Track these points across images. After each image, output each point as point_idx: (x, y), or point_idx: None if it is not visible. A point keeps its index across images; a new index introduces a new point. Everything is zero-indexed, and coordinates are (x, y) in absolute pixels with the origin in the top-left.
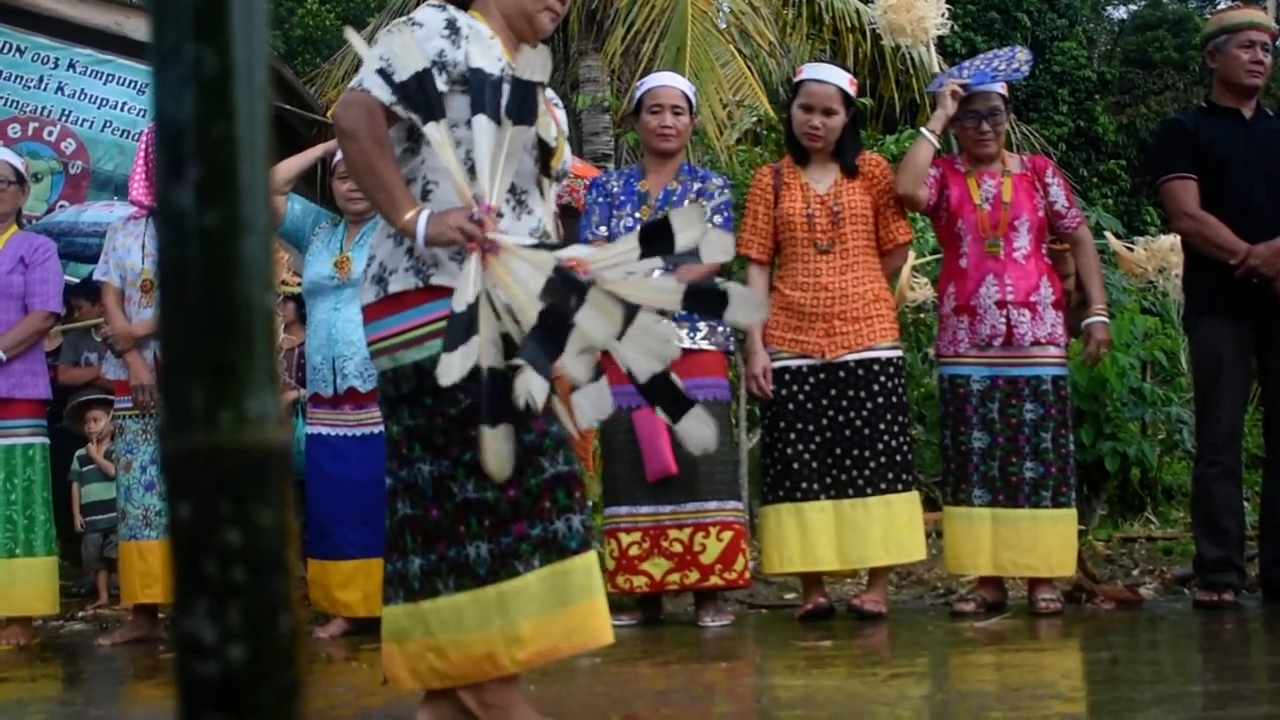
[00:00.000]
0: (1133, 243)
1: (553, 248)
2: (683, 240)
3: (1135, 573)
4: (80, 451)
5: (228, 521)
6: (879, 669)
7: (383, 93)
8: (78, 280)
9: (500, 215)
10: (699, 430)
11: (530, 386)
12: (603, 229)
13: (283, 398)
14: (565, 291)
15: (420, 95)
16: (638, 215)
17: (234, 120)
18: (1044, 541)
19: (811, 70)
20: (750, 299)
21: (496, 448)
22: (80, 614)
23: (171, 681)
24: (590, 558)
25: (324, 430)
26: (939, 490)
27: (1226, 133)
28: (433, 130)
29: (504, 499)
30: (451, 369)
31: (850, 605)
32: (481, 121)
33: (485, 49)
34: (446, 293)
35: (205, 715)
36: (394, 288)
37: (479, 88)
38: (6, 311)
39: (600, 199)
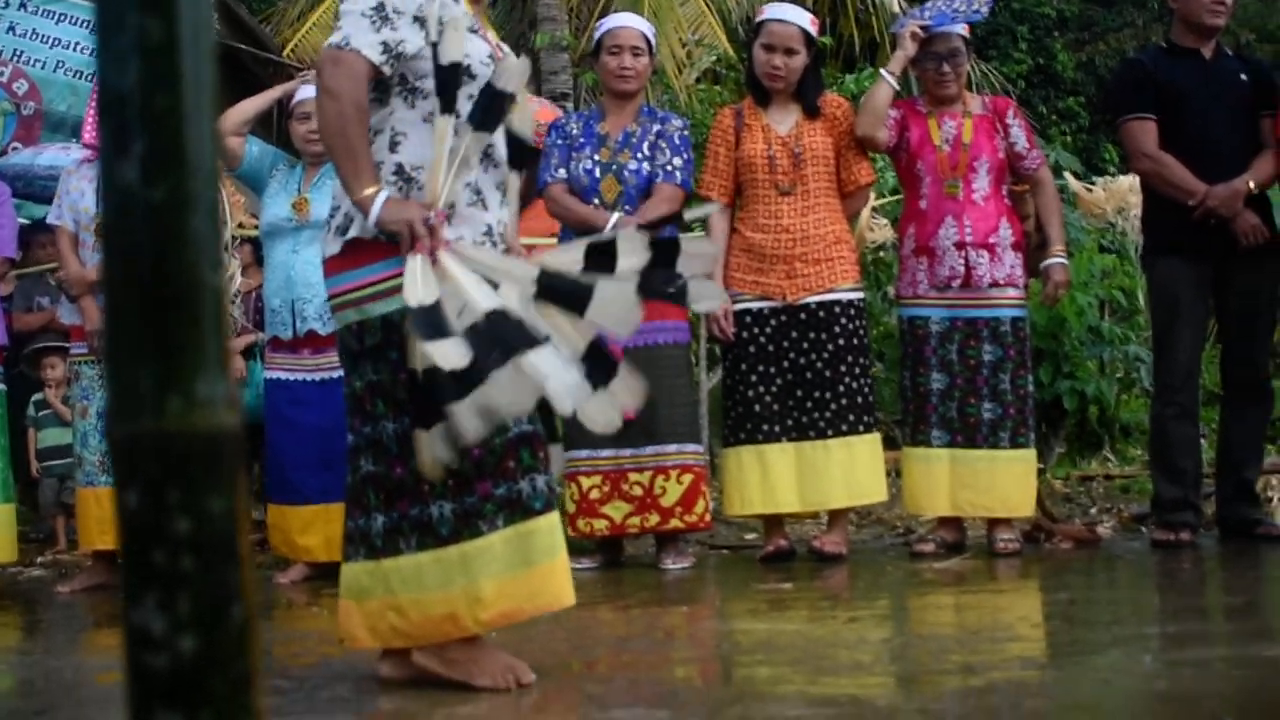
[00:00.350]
0: (1092, 183)
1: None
2: (624, 264)
3: (1093, 511)
4: (37, 396)
5: (177, 510)
6: (839, 612)
7: (373, 52)
8: (31, 221)
9: (449, 218)
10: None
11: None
12: (561, 171)
13: (240, 341)
14: (489, 344)
15: (449, 83)
16: (596, 157)
17: (180, 91)
18: (1002, 482)
19: (773, 10)
20: (704, 250)
21: (431, 450)
22: (39, 560)
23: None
24: (554, 518)
25: (283, 375)
26: (898, 430)
27: (1186, 72)
28: (442, 123)
29: (468, 458)
30: (448, 357)
31: (810, 547)
32: (440, 124)
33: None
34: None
35: (157, 708)
36: (354, 233)
37: (449, 83)
38: None
39: (559, 141)
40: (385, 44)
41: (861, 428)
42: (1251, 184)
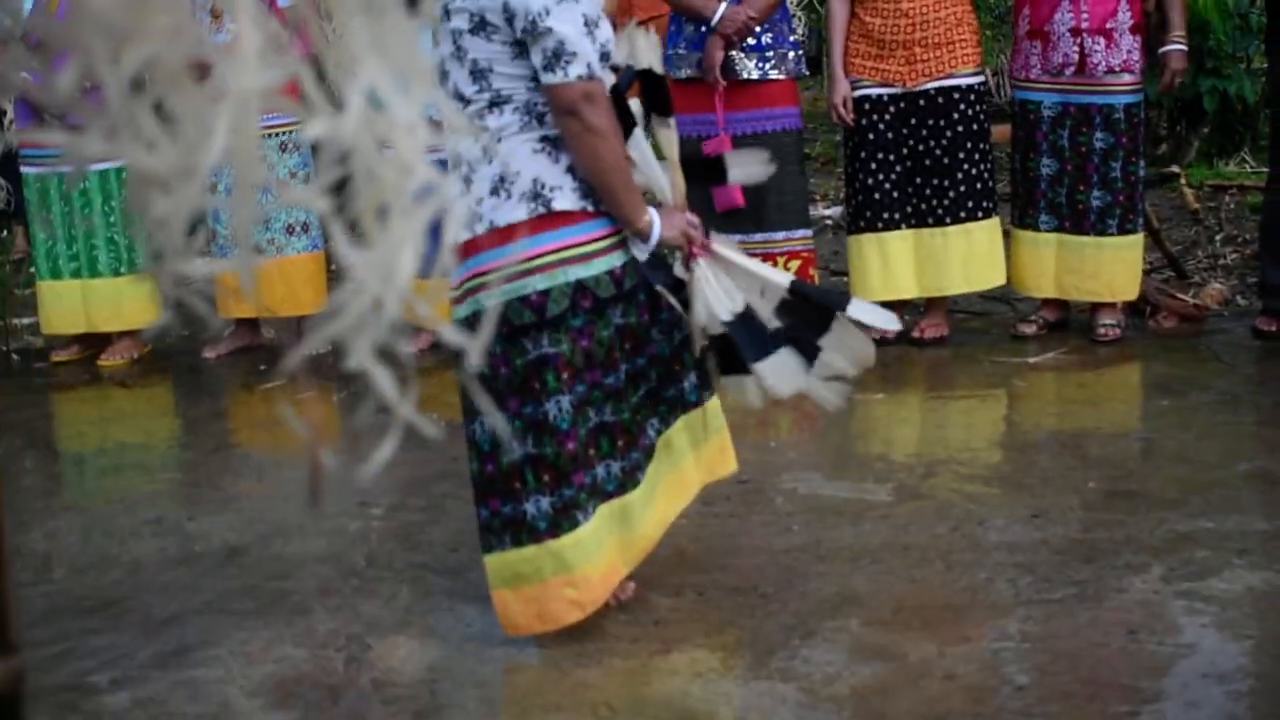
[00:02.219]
0: None
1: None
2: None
3: (1218, 238)
4: None
5: None
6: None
7: (608, 76)
8: None
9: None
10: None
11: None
12: None
13: None
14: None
15: (656, 92)
16: None
17: None
18: (1108, 268)
19: None
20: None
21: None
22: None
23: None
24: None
25: None
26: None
27: None
28: (666, 131)
29: (635, 419)
30: (782, 382)
31: (911, 336)
32: (665, 132)
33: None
34: (605, 215)
35: None
36: (559, 205)
37: (658, 91)
38: None
39: None
40: (602, 52)
41: (980, 214)
42: None
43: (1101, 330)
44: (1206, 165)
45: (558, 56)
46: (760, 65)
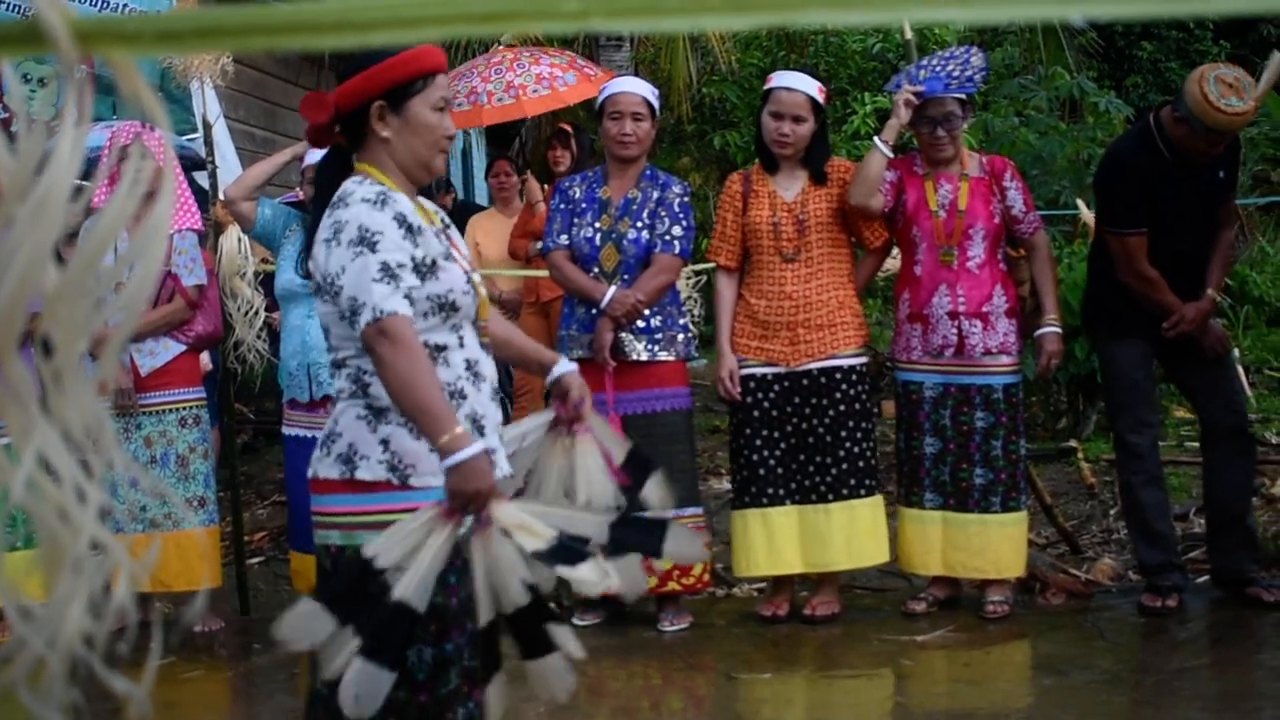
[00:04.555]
0: None
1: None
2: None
3: (1113, 513)
4: None
5: None
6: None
7: (404, 307)
8: None
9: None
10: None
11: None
12: (564, 238)
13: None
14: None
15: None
16: (597, 224)
17: None
18: (993, 545)
19: (781, 78)
20: (688, 539)
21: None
22: None
23: None
24: None
25: (300, 432)
26: (895, 486)
27: (1179, 181)
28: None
29: (413, 703)
30: (591, 582)
31: (802, 614)
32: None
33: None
34: (409, 489)
35: None
36: (362, 474)
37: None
38: None
39: (563, 205)
40: (408, 296)
41: (863, 491)
42: (1213, 294)
43: (990, 607)
44: (1104, 439)
45: (352, 310)
46: (650, 347)
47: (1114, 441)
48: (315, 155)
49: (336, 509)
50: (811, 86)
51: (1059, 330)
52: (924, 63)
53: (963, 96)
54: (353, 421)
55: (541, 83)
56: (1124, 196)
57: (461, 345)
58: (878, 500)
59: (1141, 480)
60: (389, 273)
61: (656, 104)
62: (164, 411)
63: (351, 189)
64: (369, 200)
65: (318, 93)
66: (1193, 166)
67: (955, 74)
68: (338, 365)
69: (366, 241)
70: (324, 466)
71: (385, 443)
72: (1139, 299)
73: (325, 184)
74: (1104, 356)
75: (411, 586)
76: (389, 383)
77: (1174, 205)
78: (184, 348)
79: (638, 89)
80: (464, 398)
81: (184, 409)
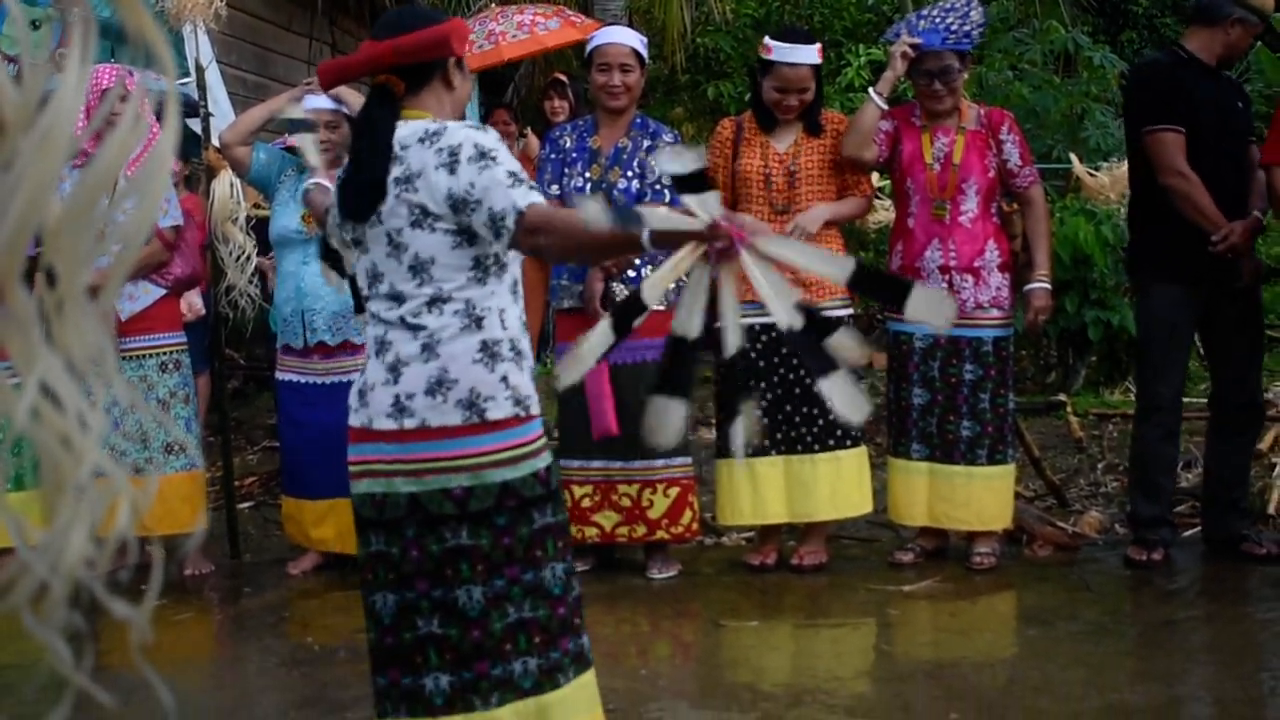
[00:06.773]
0: (1096, 167)
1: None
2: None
3: (1100, 467)
4: None
5: None
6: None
7: (540, 199)
8: None
9: None
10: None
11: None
12: (554, 187)
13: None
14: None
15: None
16: (587, 174)
17: None
18: (978, 497)
19: (781, 51)
20: (937, 300)
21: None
22: None
23: None
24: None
25: (293, 377)
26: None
27: (1207, 90)
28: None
29: (554, 616)
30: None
31: (790, 563)
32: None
33: None
34: (536, 418)
35: None
36: (493, 415)
37: None
38: None
39: (553, 155)
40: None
41: (849, 442)
42: (1259, 215)
43: (977, 559)
44: (1093, 394)
45: (495, 220)
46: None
47: (1136, 388)
48: (313, 102)
49: (463, 452)
50: (812, 55)
51: (1048, 286)
52: (924, 12)
53: (961, 50)
54: (468, 365)
55: (522, 29)
56: (1158, 90)
57: (516, 302)
58: (862, 451)
59: (1157, 434)
60: (517, 178)
61: (645, 53)
62: (144, 356)
63: (443, 124)
64: (473, 127)
65: (459, 20)
66: (1218, 80)
67: (954, 27)
68: (439, 300)
69: (488, 156)
70: (439, 414)
71: (505, 379)
72: (1180, 209)
73: (379, 123)
74: (1142, 300)
75: (683, 318)
76: (568, 255)
77: (1205, 116)
78: (164, 291)
79: (626, 39)
80: (521, 356)
81: (164, 354)
